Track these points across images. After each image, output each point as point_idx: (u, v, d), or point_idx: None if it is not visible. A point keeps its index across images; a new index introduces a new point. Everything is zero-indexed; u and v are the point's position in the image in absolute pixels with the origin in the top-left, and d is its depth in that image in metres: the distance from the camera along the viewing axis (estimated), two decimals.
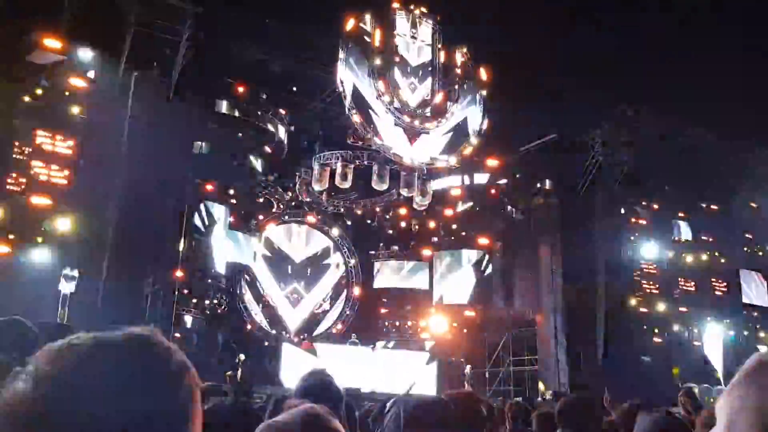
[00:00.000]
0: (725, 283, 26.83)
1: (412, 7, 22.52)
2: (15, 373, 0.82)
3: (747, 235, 27.39)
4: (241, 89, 21.20)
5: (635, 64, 23.46)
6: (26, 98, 15.69)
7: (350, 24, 20.91)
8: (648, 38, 23.22)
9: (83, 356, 0.83)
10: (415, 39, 22.40)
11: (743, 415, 0.82)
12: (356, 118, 20.66)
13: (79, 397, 0.79)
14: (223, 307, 22.19)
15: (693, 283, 26.22)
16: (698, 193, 26.62)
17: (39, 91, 15.86)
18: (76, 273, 14.29)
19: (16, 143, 15.65)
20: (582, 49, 22.04)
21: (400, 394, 2.80)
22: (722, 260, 26.62)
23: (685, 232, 26.93)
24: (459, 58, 22.91)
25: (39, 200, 15.43)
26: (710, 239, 26.67)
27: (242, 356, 19.69)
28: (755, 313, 27.08)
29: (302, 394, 2.69)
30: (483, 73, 22.79)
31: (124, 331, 0.88)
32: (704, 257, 26.26)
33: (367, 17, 21.07)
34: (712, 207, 27.07)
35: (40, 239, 15.28)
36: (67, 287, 14.13)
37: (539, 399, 21.30)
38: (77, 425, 0.78)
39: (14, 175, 15.54)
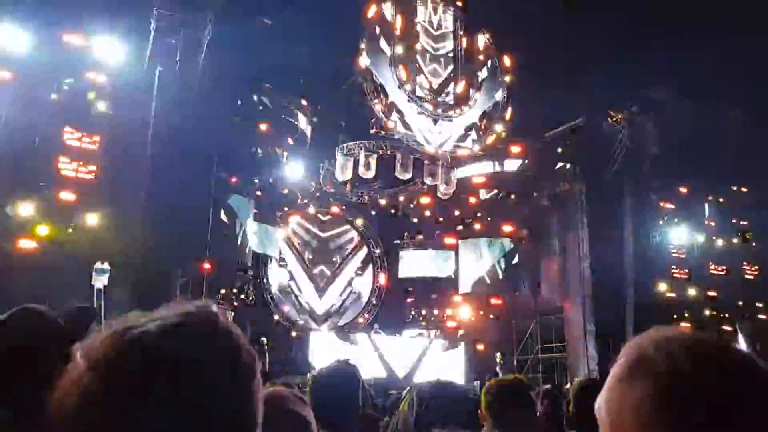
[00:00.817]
0: (757, 267, 26.31)
1: None
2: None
3: None
4: (264, 83, 21.25)
5: (661, 45, 22.96)
6: (53, 95, 15.89)
7: (372, 11, 20.80)
8: (674, 18, 22.72)
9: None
10: (437, 26, 22.22)
11: (625, 416, 0.79)
12: (378, 108, 20.61)
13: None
14: (250, 298, 22.38)
15: (724, 268, 25.75)
16: (728, 176, 26.08)
17: (65, 87, 16.08)
18: (107, 266, 14.41)
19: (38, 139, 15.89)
20: (607, 31, 21.64)
21: (414, 383, 2.84)
22: (754, 243, 26.09)
23: (715, 215, 26.45)
24: (481, 44, 22.68)
25: (67, 195, 15.70)
26: (741, 222, 26.15)
27: (264, 339, 19.83)
28: None
29: (323, 383, 2.77)
30: (506, 59, 22.55)
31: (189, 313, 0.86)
32: (735, 241, 25.75)
33: (388, 4, 20.93)
34: (743, 189, 26.52)
35: (69, 232, 15.56)
36: (99, 281, 14.27)
37: (567, 386, 21.19)
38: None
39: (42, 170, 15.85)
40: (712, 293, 24.89)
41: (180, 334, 0.82)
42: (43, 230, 15.03)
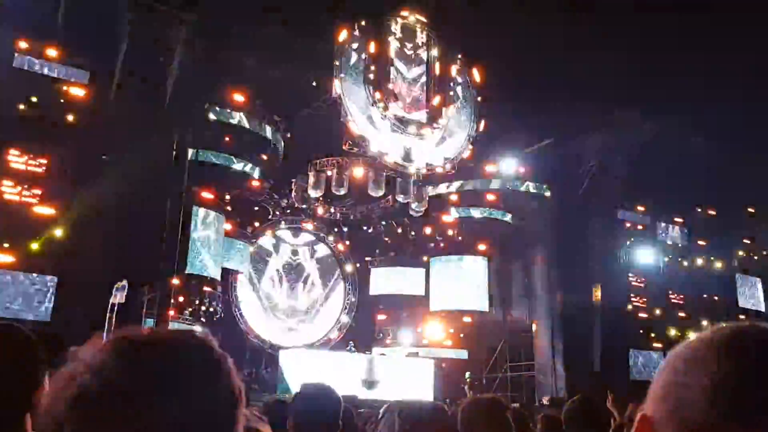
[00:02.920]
0: (722, 288, 26.85)
1: (406, 13, 22.57)
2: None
3: (744, 240, 27.44)
4: (236, 96, 21.17)
5: (631, 70, 23.49)
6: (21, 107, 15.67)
7: (343, 35, 20.96)
8: (644, 43, 23.26)
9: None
10: (410, 45, 22.43)
11: (692, 393, 0.77)
12: (352, 126, 20.68)
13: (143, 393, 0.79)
14: (219, 314, 22.10)
15: (689, 288, 26.24)
16: (694, 198, 26.68)
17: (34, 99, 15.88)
18: (125, 284, 14.48)
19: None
20: (578, 54, 22.06)
21: (394, 401, 2.81)
22: (718, 264, 26.65)
23: (681, 236, 26.98)
24: (454, 64, 22.95)
25: (36, 210, 15.52)
26: (706, 243, 26.70)
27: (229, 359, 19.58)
28: (753, 318, 27.07)
29: (302, 402, 2.80)
30: (477, 78, 22.83)
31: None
32: (700, 261, 26.28)
33: (361, 25, 21.09)
34: (709, 212, 27.12)
35: (35, 248, 15.36)
36: (117, 297, 14.31)
37: (537, 404, 21.29)
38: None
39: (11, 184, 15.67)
40: (678, 313, 25.32)
41: (180, 348, 0.85)
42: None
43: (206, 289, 21.40)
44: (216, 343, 0.89)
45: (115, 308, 14.11)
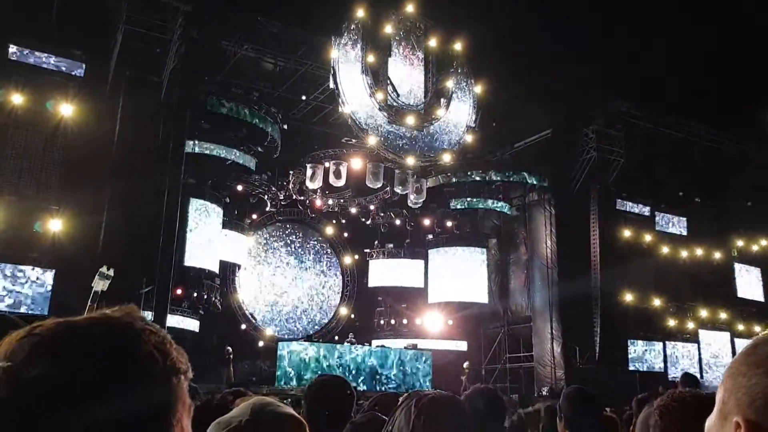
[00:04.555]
0: (720, 278, 26.86)
1: (404, 3, 22.38)
2: None
3: (743, 230, 27.43)
4: (232, 88, 21.04)
5: (629, 59, 23.44)
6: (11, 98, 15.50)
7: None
8: (643, 32, 23.21)
9: (45, 345, 0.77)
10: (408, 36, 22.27)
11: (735, 395, 0.78)
12: (349, 117, 20.55)
13: (41, 391, 0.73)
14: (216, 306, 22.05)
15: (688, 278, 26.23)
16: (693, 188, 26.65)
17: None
18: (111, 272, 14.22)
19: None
20: (576, 44, 22.01)
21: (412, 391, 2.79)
22: (717, 254, 26.64)
23: (680, 226, 26.96)
24: (452, 54, 22.79)
25: (30, 203, 15.41)
26: (705, 233, 26.68)
27: (229, 348, 19.59)
28: (750, 308, 27.16)
29: (316, 392, 2.84)
30: (476, 69, 22.70)
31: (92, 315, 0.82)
32: (699, 251, 26.26)
33: (360, 14, 20.90)
34: (707, 201, 27.10)
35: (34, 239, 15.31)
36: (100, 284, 14.03)
37: (536, 395, 21.31)
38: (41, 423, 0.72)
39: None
40: (677, 303, 25.32)
41: (85, 327, 0.80)
42: None
43: (204, 281, 21.32)
44: (134, 323, 0.83)
45: (98, 297, 13.71)
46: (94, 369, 0.75)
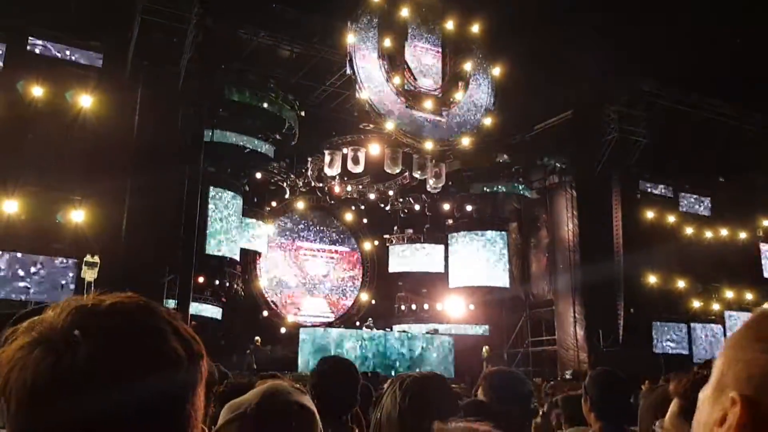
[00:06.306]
0: (746, 258, 26.43)
1: None
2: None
3: (767, 209, 26.92)
4: (250, 76, 21.02)
5: (651, 36, 22.96)
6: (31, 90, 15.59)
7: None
8: (665, 8, 22.72)
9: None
10: (425, 20, 22.06)
11: (734, 369, 0.74)
12: (367, 102, 20.44)
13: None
14: (238, 294, 22.20)
15: (713, 259, 25.84)
16: (717, 168, 26.18)
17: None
18: (97, 259, 14.34)
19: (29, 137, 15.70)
20: (596, 23, 21.60)
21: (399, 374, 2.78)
22: (742, 234, 26.20)
23: (704, 207, 26.56)
24: (470, 36, 22.54)
25: (54, 193, 15.55)
26: (730, 214, 26.25)
27: (258, 338, 19.78)
28: None
29: (320, 376, 2.84)
30: (494, 51, 22.45)
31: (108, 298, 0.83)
32: (724, 232, 25.85)
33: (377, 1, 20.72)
34: (732, 181, 26.63)
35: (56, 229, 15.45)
36: (89, 274, 14.17)
37: (559, 379, 21.21)
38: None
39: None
40: (702, 284, 24.99)
41: (110, 311, 0.82)
42: None
43: (226, 269, 21.46)
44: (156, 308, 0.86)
45: (91, 287, 13.81)
46: (145, 349, 0.80)
